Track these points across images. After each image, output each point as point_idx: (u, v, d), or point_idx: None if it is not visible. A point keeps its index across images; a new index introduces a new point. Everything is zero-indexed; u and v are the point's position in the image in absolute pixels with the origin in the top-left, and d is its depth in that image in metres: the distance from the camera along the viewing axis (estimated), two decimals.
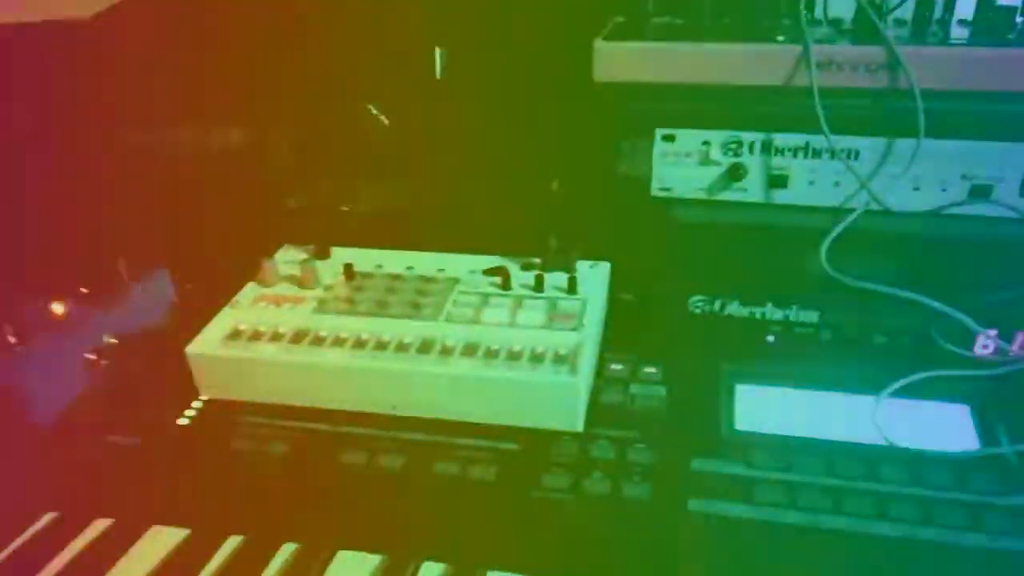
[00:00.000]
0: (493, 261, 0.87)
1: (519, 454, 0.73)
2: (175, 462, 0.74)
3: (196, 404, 0.79)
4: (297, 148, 0.99)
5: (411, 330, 0.77)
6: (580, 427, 0.72)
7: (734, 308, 0.85)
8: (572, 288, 0.81)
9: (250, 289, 0.84)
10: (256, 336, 0.78)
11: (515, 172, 0.93)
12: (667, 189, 0.84)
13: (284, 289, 0.84)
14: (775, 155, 0.79)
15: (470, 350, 0.74)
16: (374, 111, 0.96)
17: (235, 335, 0.78)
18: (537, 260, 0.86)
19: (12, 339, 0.81)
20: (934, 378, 0.77)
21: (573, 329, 0.76)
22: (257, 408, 0.78)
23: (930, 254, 0.80)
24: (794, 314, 0.83)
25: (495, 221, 0.92)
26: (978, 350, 0.80)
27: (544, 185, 0.93)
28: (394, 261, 0.87)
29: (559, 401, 0.71)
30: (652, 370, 0.82)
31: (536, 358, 0.73)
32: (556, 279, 0.83)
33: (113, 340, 0.84)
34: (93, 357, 0.82)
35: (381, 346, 0.75)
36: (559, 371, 0.71)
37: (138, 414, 0.78)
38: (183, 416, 0.78)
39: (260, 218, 0.96)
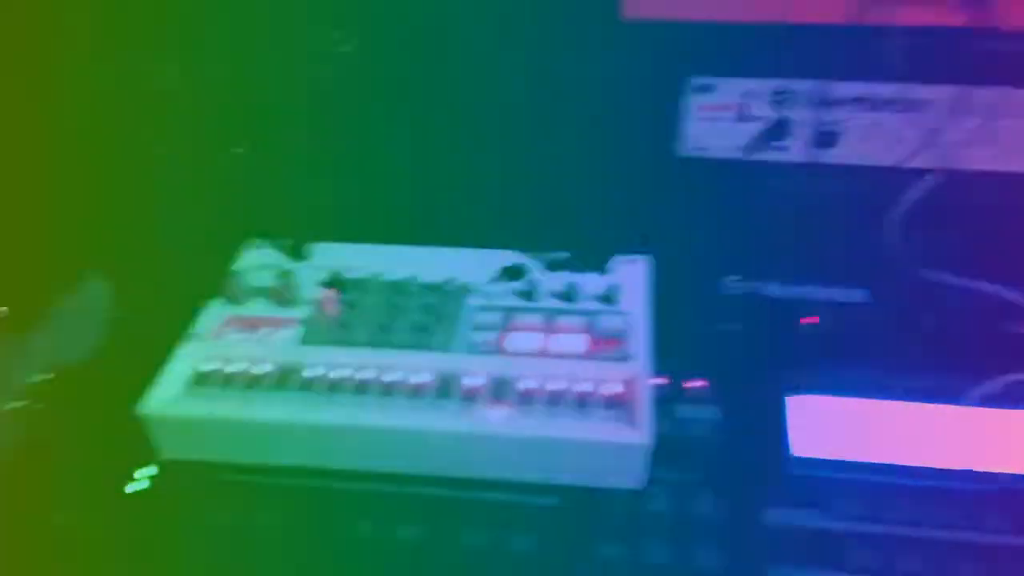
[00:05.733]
0: (508, 257, 0.71)
1: (562, 513, 0.61)
2: (129, 544, 0.60)
3: (151, 466, 0.64)
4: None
5: (422, 366, 0.62)
6: (641, 484, 0.60)
7: (775, 288, 0.75)
8: (612, 297, 0.67)
9: (215, 310, 0.67)
10: (229, 380, 0.62)
11: (523, 137, 0.75)
12: (700, 148, 0.72)
13: (258, 307, 0.68)
14: (827, 108, 0.67)
15: (499, 392, 0.60)
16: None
17: (202, 380, 0.62)
18: (563, 255, 0.71)
19: None
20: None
21: (623, 359, 0.62)
22: (234, 465, 0.63)
23: (995, 219, 0.69)
24: (842, 294, 0.74)
25: (504, 201, 0.76)
26: None
27: (560, 150, 0.75)
28: (390, 262, 0.71)
29: (618, 461, 0.58)
30: (698, 384, 0.69)
31: (582, 403, 0.60)
32: (591, 283, 0.68)
33: (42, 377, 0.68)
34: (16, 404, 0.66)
35: (388, 391, 0.61)
36: (615, 422, 0.58)
37: (75, 481, 0.63)
38: (134, 481, 0.63)
39: (207, 204, 0.77)
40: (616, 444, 0.57)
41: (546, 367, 0.62)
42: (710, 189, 0.72)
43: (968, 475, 0.61)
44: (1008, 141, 0.66)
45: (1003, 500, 0.60)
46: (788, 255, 0.74)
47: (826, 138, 0.68)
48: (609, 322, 0.65)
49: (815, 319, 0.74)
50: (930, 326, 0.72)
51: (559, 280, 0.69)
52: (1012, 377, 0.66)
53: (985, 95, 0.64)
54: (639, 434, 0.57)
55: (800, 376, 0.69)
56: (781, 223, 0.73)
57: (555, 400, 0.60)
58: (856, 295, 0.74)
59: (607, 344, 0.63)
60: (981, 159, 0.66)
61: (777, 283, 0.75)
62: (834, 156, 0.69)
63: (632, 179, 0.72)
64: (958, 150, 0.66)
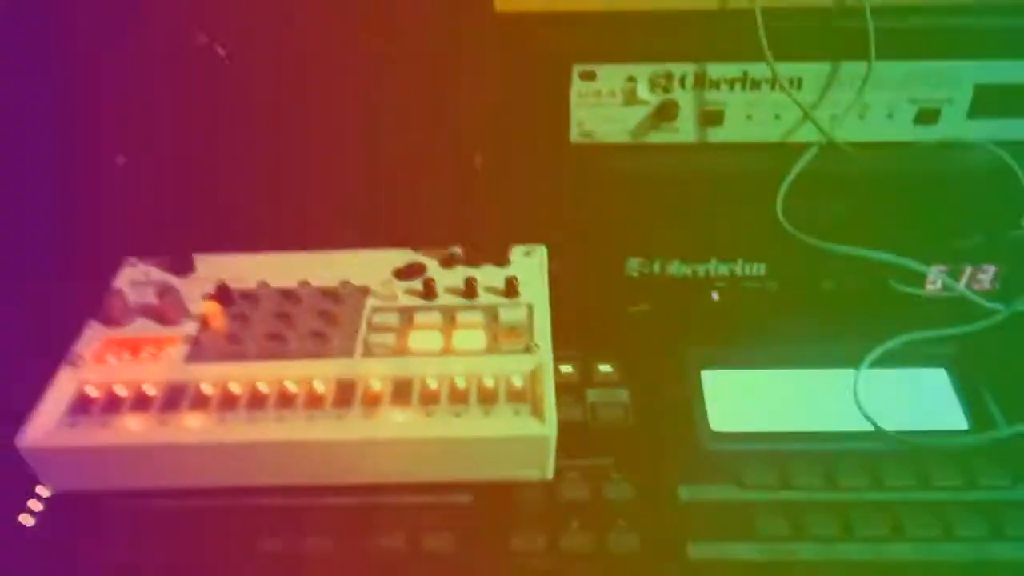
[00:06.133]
0: (404, 257, 0.70)
1: (476, 510, 0.60)
2: None
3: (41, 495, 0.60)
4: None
5: (321, 373, 0.60)
6: (551, 475, 0.59)
7: (676, 267, 0.76)
8: (512, 290, 0.66)
9: (93, 333, 0.64)
10: (113, 405, 0.59)
11: (411, 133, 0.74)
12: (588, 135, 0.71)
13: (140, 328, 0.64)
14: (709, 89, 0.68)
15: (402, 394, 0.59)
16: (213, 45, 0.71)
17: (83, 407, 0.59)
18: (458, 250, 0.70)
19: None
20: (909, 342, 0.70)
21: (526, 350, 0.61)
22: (128, 491, 0.60)
23: (876, 188, 0.71)
24: (740, 268, 0.76)
25: (394, 199, 0.74)
26: (928, 288, 0.75)
27: (447, 145, 0.74)
28: (279, 270, 0.68)
29: (525, 453, 0.58)
30: (607, 368, 0.69)
31: (487, 397, 0.59)
32: (488, 276, 0.67)
33: None
34: None
35: (286, 402, 0.59)
36: (520, 415, 0.58)
37: None
38: (26, 513, 0.59)
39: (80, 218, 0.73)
40: (521, 437, 0.57)
41: (448, 365, 0.61)
42: (603, 174, 0.72)
43: (874, 435, 0.64)
44: (878, 112, 0.68)
45: (906, 456, 0.62)
46: (686, 233, 0.75)
47: (711, 117, 0.69)
48: (510, 314, 0.64)
49: (717, 294, 0.76)
50: (826, 294, 0.75)
51: (456, 275, 0.68)
52: (907, 337, 0.69)
53: (853, 70, 0.66)
54: (544, 425, 0.56)
55: (708, 352, 0.71)
56: (677, 203, 0.73)
57: (459, 398, 0.59)
58: (754, 268, 0.76)
59: (509, 337, 0.63)
60: (855, 130, 0.69)
61: (678, 262, 0.76)
62: (720, 135, 0.70)
63: (524, 169, 0.72)
64: (833, 123, 0.68)
